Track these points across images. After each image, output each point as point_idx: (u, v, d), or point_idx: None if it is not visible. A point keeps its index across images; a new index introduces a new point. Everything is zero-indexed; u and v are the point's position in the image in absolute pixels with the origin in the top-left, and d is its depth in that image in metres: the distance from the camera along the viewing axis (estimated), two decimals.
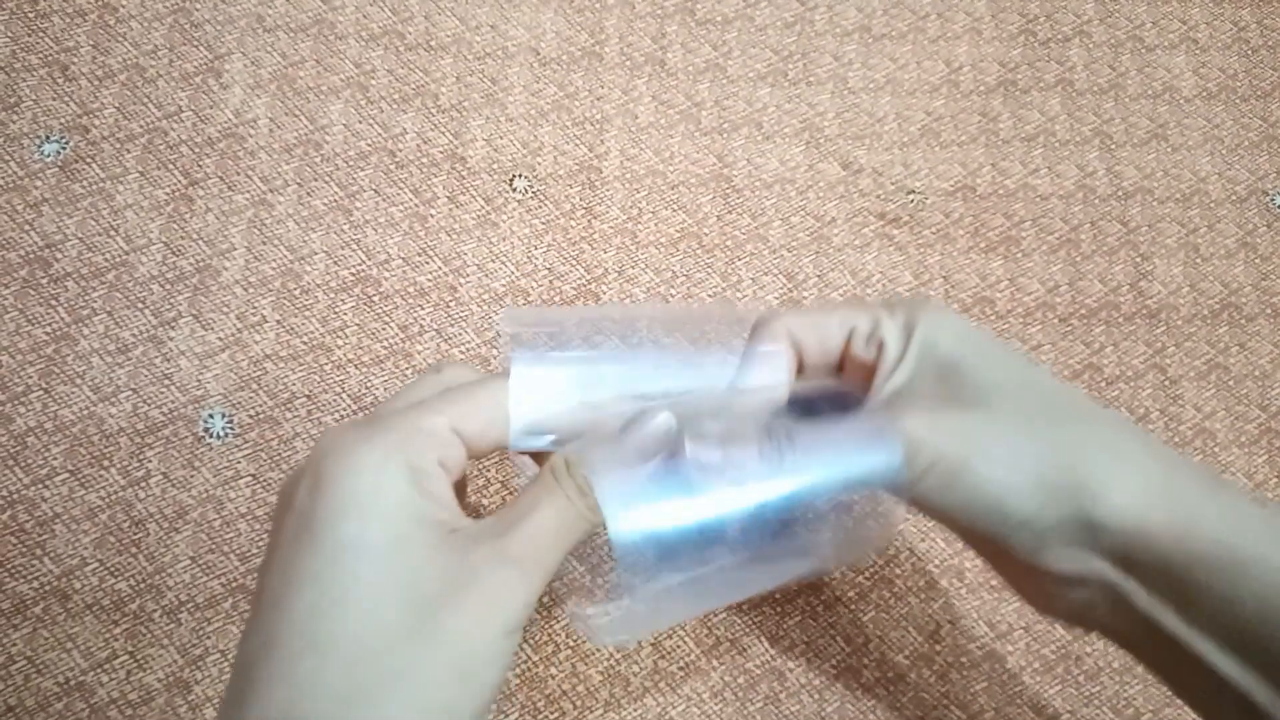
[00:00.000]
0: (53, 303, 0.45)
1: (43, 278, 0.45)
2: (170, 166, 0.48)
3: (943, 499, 0.30)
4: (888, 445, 0.30)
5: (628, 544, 0.28)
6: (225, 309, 0.46)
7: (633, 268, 0.49)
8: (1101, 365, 0.51)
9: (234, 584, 0.41)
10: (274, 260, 0.47)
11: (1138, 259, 0.53)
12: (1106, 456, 0.30)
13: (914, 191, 0.54)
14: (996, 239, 0.53)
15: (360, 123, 0.51)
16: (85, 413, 0.43)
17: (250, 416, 0.44)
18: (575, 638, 0.41)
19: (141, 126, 0.49)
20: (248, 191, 0.48)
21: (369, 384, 0.45)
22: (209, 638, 0.40)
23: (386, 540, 0.26)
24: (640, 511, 0.28)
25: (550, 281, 0.48)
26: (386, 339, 0.46)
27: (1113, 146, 0.56)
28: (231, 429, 0.44)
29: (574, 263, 0.49)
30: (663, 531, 0.28)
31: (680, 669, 0.42)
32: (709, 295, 0.49)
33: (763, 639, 0.43)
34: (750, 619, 0.43)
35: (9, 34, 0.50)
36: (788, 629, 0.43)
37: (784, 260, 0.51)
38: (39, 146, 0.48)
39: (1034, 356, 0.50)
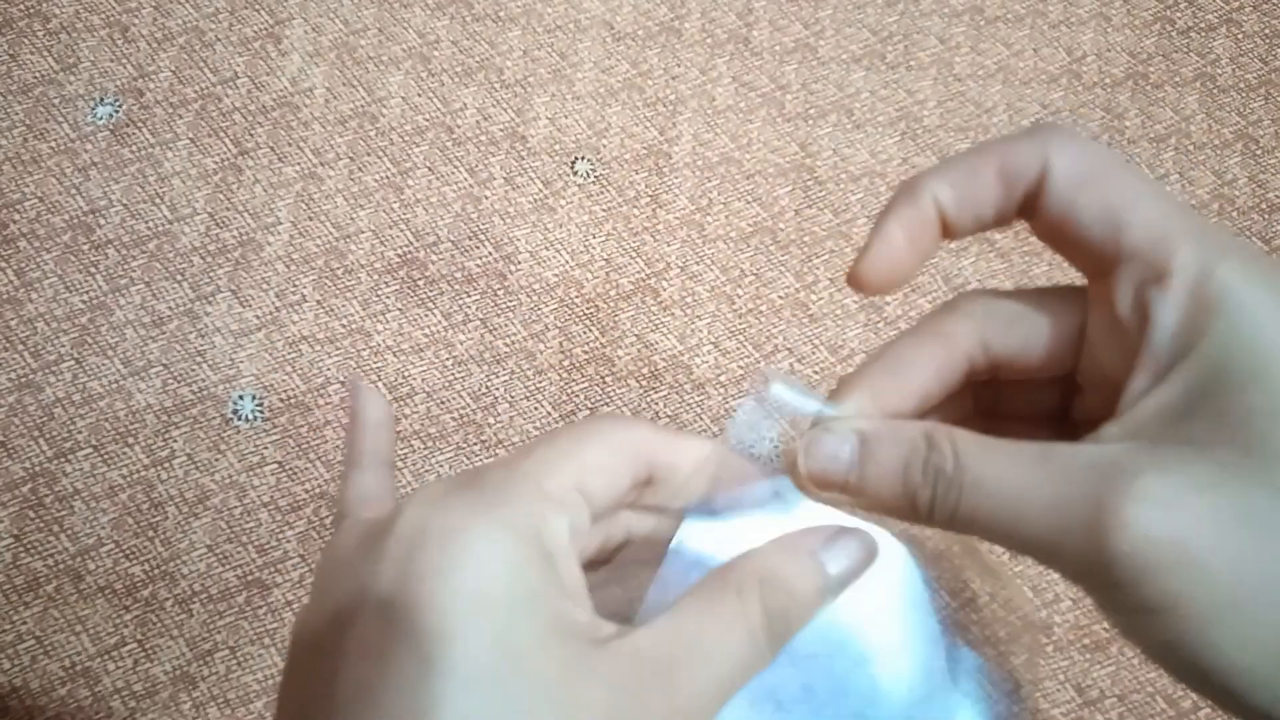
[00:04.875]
0: (92, 270, 0.43)
1: (84, 244, 0.44)
2: (221, 134, 0.46)
3: (1157, 651, 0.19)
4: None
5: None
6: (265, 285, 0.44)
7: (697, 263, 0.45)
8: None
9: (249, 577, 0.39)
10: (319, 237, 0.45)
11: None
12: None
13: None
14: None
15: (419, 96, 0.48)
16: (114, 386, 0.41)
17: (281, 400, 0.42)
18: None
19: (196, 92, 0.47)
20: (298, 164, 0.46)
21: (406, 373, 0.42)
22: (219, 632, 0.38)
23: (505, 662, 0.18)
24: None
25: (607, 274, 0.45)
26: (428, 326, 0.43)
27: (1258, 152, 0.49)
28: (261, 412, 0.41)
29: (634, 254, 0.45)
30: None
31: None
32: (779, 296, 0.45)
33: None
34: None
35: None
36: None
37: None
38: (93, 109, 0.46)
39: None
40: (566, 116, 0.48)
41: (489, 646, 0.18)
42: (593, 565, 0.23)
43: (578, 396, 0.42)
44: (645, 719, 0.19)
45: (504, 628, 0.19)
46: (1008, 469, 0.20)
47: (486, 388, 0.42)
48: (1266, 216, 0.48)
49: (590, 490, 0.21)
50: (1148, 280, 0.20)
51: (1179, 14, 0.53)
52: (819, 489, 0.22)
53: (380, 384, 0.42)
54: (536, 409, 0.42)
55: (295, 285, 0.44)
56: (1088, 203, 0.20)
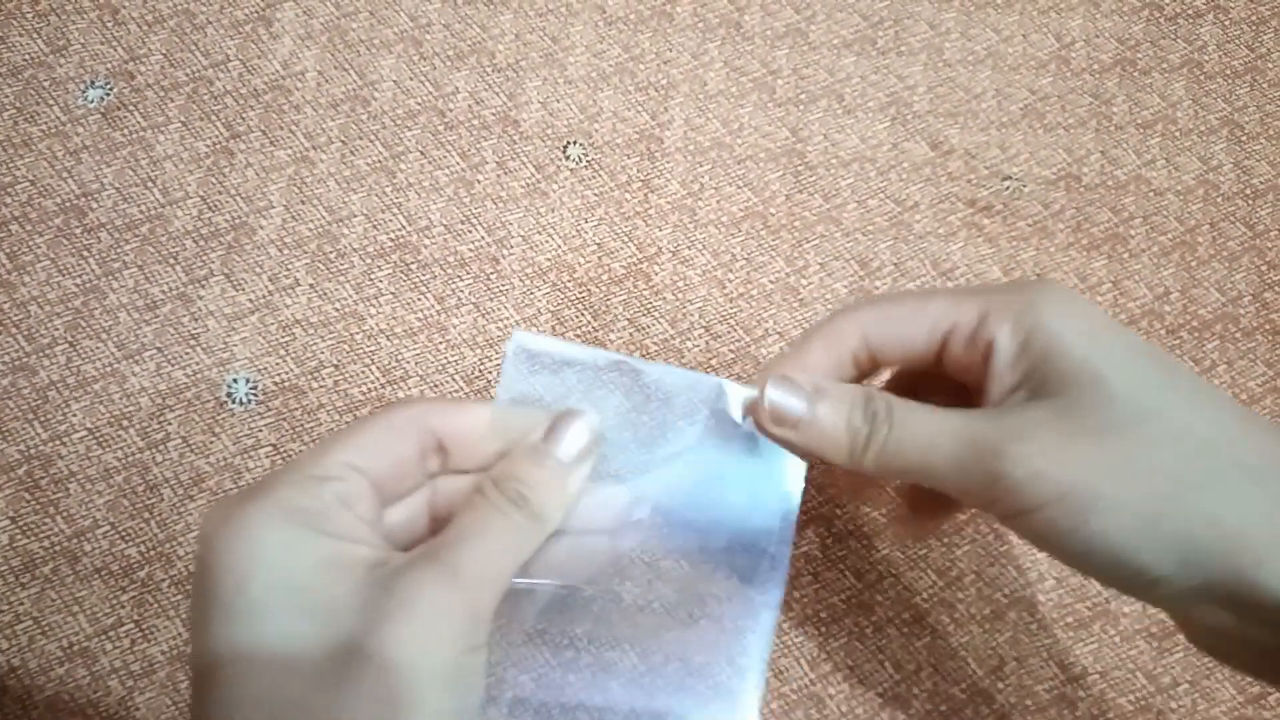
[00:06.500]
0: (85, 254, 0.43)
1: (77, 227, 0.44)
2: (213, 118, 0.46)
3: (1062, 541, 0.26)
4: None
5: None
6: (258, 269, 0.44)
7: (689, 248, 0.46)
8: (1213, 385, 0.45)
9: None
10: (312, 221, 0.45)
11: (1264, 267, 0.47)
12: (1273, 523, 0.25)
13: (1010, 178, 0.48)
14: (1101, 236, 0.48)
15: (411, 80, 0.48)
16: (108, 369, 0.41)
17: (275, 383, 0.42)
18: None
19: (187, 75, 0.47)
20: (290, 147, 0.46)
21: (399, 356, 0.43)
22: None
23: (295, 595, 0.24)
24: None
25: (599, 258, 0.45)
26: (422, 310, 0.44)
27: (1243, 138, 0.50)
28: (255, 395, 0.42)
29: (626, 239, 0.46)
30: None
31: None
32: (770, 281, 0.45)
33: (802, 661, 0.39)
34: (790, 639, 0.39)
35: None
36: (831, 651, 0.39)
37: (858, 245, 0.46)
38: (83, 92, 0.46)
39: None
40: (558, 101, 0.48)
41: (276, 582, 0.24)
42: (435, 529, 0.29)
43: None
44: (438, 596, 0.24)
45: (285, 566, 0.24)
46: (926, 417, 0.28)
47: (480, 371, 0.43)
48: (1251, 202, 0.49)
49: (364, 464, 0.27)
50: (979, 329, 0.28)
51: (1167, 0, 0.53)
52: (776, 425, 0.28)
53: (373, 368, 0.42)
54: None
55: (288, 269, 0.44)
56: (887, 330, 0.30)
